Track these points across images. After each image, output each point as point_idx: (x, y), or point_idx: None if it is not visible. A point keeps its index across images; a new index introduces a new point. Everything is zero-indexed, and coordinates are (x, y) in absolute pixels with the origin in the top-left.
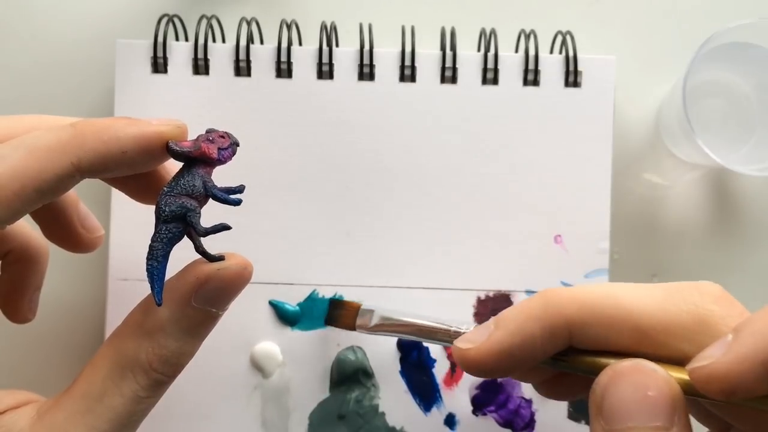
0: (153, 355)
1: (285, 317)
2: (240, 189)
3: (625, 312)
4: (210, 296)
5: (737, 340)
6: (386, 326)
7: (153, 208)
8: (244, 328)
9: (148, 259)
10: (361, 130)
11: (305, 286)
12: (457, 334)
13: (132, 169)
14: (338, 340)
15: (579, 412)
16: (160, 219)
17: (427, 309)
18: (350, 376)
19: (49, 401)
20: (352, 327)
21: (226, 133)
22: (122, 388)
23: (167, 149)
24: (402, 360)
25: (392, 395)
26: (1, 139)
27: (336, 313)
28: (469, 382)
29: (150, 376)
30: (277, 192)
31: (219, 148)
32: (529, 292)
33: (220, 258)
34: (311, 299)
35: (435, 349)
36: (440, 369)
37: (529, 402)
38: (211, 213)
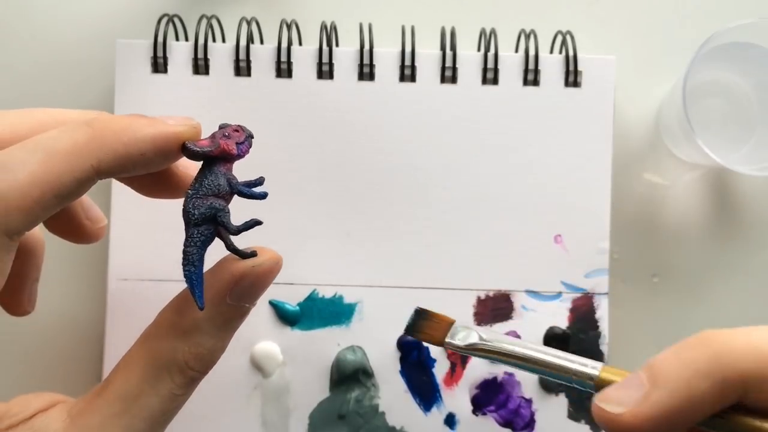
0: (189, 354)
1: (285, 317)
2: (260, 181)
3: None
4: (244, 292)
5: (654, 388)
6: (484, 349)
7: (156, 201)
8: (244, 328)
9: (184, 265)
10: (361, 130)
11: (305, 286)
12: (580, 375)
13: (147, 169)
14: (338, 339)
15: (579, 411)
16: (191, 223)
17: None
18: (350, 376)
19: (78, 403)
20: (440, 342)
21: (239, 126)
22: (158, 388)
23: (184, 150)
24: (402, 360)
25: (392, 395)
26: (11, 137)
27: (422, 323)
28: (469, 382)
29: (186, 374)
30: (277, 192)
31: (236, 143)
32: (529, 292)
33: (253, 254)
34: (311, 299)
35: (435, 350)
36: (440, 369)
37: (529, 402)
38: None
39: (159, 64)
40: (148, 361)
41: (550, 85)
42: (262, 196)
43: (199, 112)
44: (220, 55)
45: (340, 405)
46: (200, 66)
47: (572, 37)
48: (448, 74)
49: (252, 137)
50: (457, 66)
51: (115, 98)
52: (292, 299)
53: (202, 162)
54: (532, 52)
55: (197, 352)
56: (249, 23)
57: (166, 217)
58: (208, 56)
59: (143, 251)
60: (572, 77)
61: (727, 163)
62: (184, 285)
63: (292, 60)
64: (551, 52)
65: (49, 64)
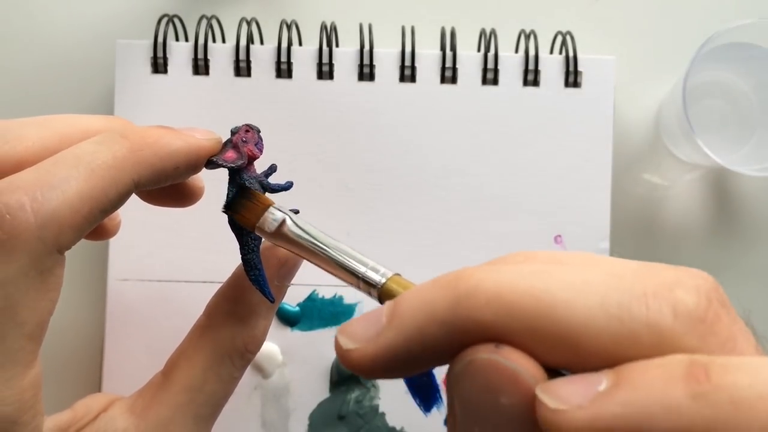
0: (248, 337)
1: (285, 317)
2: (274, 168)
3: (559, 327)
4: (287, 273)
5: (388, 327)
6: (287, 237)
7: (158, 209)
8: None
9: (248, 270)
10: (361, 130)
11: (305, 286)
12: (366, 281)
13: (174, 181)
14: None
15: None
16: (243, 232)
17: None
18: (350, 376)
19: (137, 399)
20: (252, 226)
21: (248, 125)
22: (221, 374)
23: (210, 164)
24: None
25: (392, 395)
26: (41, 151)
27: (242, 202)
28: None
29: (245, 357)
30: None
31: (255, 144)
32: None
33: (297, 212)
34: (311, 299)
35: None
36: (440, 369)
37: None
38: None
39: (159, 65)
40: (210, 351)
41: (550, 85)
42: (289, 186)
43: (199, 112)
44: (220, 55)
45: (340, 405)
46: (200, 66)
47: (572, 38)
48: (448, 74)
49: (260, 131)
50: (457, 66)
51: (115, 98)
52: (292, 300)
53: (228, 173)
54: (532, 53)
55: (253, 335)
56: (249, 23)
57: (166, 217)
58: (208, 56)
59: (143, 251)
60: (572, 77)
61: (727, 163)
62: (184, 285)
63: (292, 60)
64: (551, 52)
65: (49, 65)
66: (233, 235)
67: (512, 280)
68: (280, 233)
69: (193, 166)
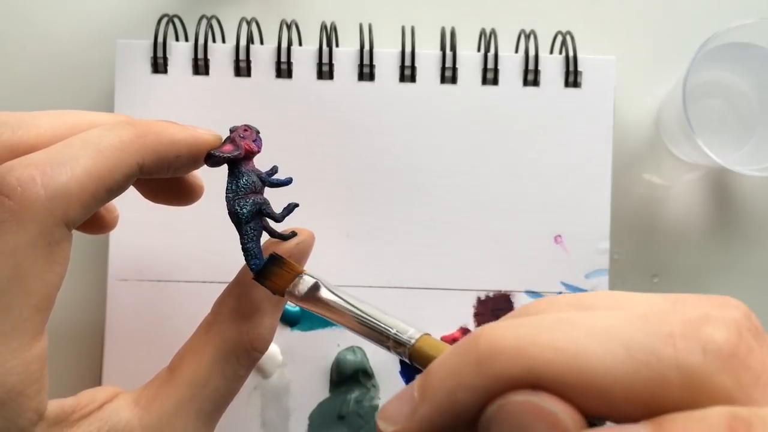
0: (254, 335)
1: (285, 317)
2: (275, 170)
3: (587, 378)
4: None
5: (422, 402)
6: (316, 301)
7: (158, 209)
8: None
9: (248, 260)
10: (361, 130)
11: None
12: (396, 341)
13: (175, 172)
14: (338, 340)
15: None
16: (242, 221)
17: (427, 309)
18: (350, 377)
19: (143, 392)
20: (281, 292)
21: (247, 125)
22: (226, 371)
23: (209, 158)
24: (402, 360)
25: (392, 395)
26: (51, 139)
27: (272, 269)
28: None
29: (251, 355)
30: (277, 192)
31: (253, 141)
32: (529, 292)
33: (293, 234)
34: None
35: None
36: None
37: None
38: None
39: (159, 65)
40: (215, 347)
41: (550, 85)
42: (289, 182)
43: (199, 112)
44: (220, 55)
45: (340, 405)
46: (200, 66)
47: (572, 37)
48: (448, 74)
49: (259, 132)
50: (457, 66)
51: (115, 98)
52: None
53: (227, 167)
54: (532, 53)
55: (259, 332)
56: (249, 23)
57: (166, 217)
58: (208, 56)
59: (143, 251)
60: (572, 77)
61: (727, 163)
62: (184, 285)
63: (292, 60)
64: (551, 52)
65: (49, 65)
66: (228, 234)
67: (532, 333)
68: (310, 298)
69: (194, 157)
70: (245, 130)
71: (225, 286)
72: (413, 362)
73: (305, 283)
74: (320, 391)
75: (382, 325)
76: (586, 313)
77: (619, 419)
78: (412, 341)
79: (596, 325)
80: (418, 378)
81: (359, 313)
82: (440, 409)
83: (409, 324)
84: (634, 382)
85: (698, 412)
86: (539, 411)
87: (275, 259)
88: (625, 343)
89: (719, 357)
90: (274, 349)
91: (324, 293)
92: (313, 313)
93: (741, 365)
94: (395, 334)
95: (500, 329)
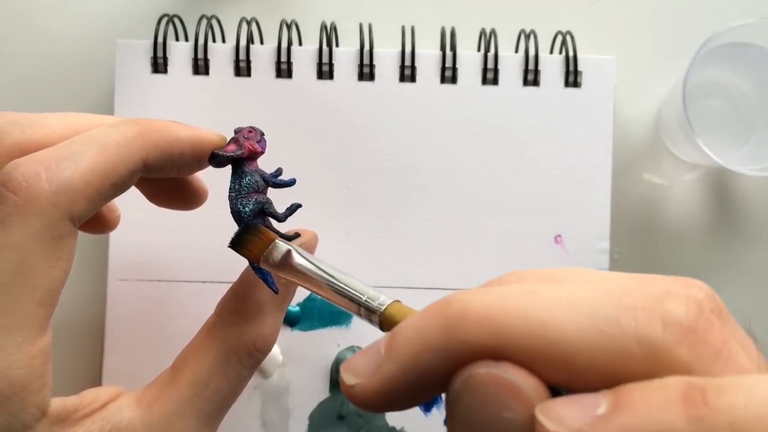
0: (256, 336)
1: (285, 318)
2: (280, 172)
3: (551, 345)
4: None
5: (387, 360)
6: (290, 268)
7: (158, 209)
8: None
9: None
10: (361, 130)
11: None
12: (367, 308)
13: (179, 171)
14: (338, 340)
15: None
16: (244, 220)
17: None
18: None
19: (145, 392)
20: (256, 259)
21: (251, 127)
22: (228, 371)
23: (214, 158)
24: None
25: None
26: (60, 138)
27: (246, 237)
28: None
29: (253, 356)
30: (277, 192)
31: (257, 142)
32: None
33: (297, 235)
34: (311, 299)
35: None
36: None
37: None
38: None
39: (159, 65)
40: (217, 348)
41: (550, 85)
42: (292, 182)
43: (199, 112)
44: (220, 55)
45: (340, 405)
46: (200, 66)
47: (572, 37)
48: (448, 74)
49: (264, 134)
50: (457, 66)
51: (115, 98)
52: (292, 300)
53: (231, 167)
54: (532, 53)
55: (261, 333)
56: (249, 23)
57: (166, 217)
58: (208, 56)
59: (143, 251)
60: (572, 77)
61: (727, 163)
62: (184, 285)
63: (292, 60)
64: (551, 52)
65: (49, 65)
66: (228, 234)
67: (500, 301)
68: (284, 264)
69: (198, 156)
70: (250, 131)
71: (225, 286)
72: (384, 329)
73: (279, 249)
74: (320, 391)
75: (354, 292)
76: (555, 285)
77: (582, 389)
78: (383, 308)
79: (563, 296)
80: (386, 335)
81: (331, 279)
82: (405, 368)
83: (381, 291)
84: (597, 353)
85: (655, 381)
86: (502, 382)
87: (250, 227)
88: (590, 314)
89: (678, 330)
90: (274, 349)
91: (297, 259)
92: (288, 280)
93: (700, 340)
94: (366, 300)
95: (469, 295)
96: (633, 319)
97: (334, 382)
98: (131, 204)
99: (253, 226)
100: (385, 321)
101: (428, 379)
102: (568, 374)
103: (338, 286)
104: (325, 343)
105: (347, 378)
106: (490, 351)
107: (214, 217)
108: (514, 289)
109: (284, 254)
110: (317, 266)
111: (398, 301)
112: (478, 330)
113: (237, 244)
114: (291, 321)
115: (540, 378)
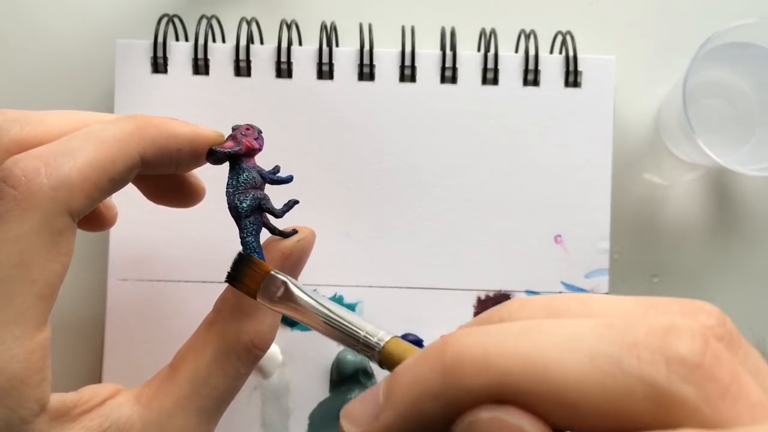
0: (254, 333)
1: (285, 317)
2: (278, 169)
3: (553, 388)
4: (293, 265)
5: (386, 407)
6: (287, 302)
7: (158, 209)
8: None
9: (247, 253)
10: (361, 130)
11: (305, 286)
12: (366, 344)
13: (176, 167)
14: None
15: None
16: (242, 215)
17: (427, 309)
18: (350, 376)
19: (144, 389)
20: (253, 294)
21: (249, 125)
22: (226, 368)
23: (211, 155)
24: None
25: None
26: (60, 135)
27: (241, 269)
28: None
29: (252, 353)
30: (277, 192)
31: (254, 139)
32: (530, 292)
33: (294, 232)
34: None
35: None
36: None
37: None
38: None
39: (159, 64)
40: (216, 345)
41: (550, 85)
42: (289, 179)
43: (199, 112)
44: (220, 55)
45: (340, 405)
46: (200, 66)
47: (572, 37)
48: (448, 74)
49: (261, 131)
50: (457, 66)
51: (115, 98)
52: None
53: (229, 163)
54: (532, 52)
55: (260, 330)
56: (249, 23)
57: (166, 217)
58: (208, 56)
59: (143, 251)
60: (572, 77)
61: (727, 163)
62: (184, 285)
63: (292, 60)
64: (551, 52)
65: (49, 64)
66: (227, 234)
67: (499, 343)
68: (282, 299)
69: (195, 152)
70: (247, 129)
71: (225, 285)
72: (383, 366)
73: (276, 283)
74: (320, 391)
75: (353, 328)
76: (554, 321)
77: (588, 431)
78: (381, 344)
79: (563, 334)
80: (384, 381)
81: (330, 314)
82: (404, 415)
83: (380, 327)
84: (599, 394)
85: None
86: (507, 426)
87: (243, 258)
88: (591, 353)
89: (683, 368)
90: (274, 349)
91: (296, 293)
92: (284, 315)
93: (706, 377)
94: (364, 336)
95: (466, 337)
96: (635, 357)
97: (335, 382)
98: (132, 204)
99: (245, 256)
100: (384, 358)
101: (429, 426)
102: (572, 416)
103: (337, 322)
104: (325, 343)
105: (347, 427)
106: (492, 395)
107: (214, 218)
108: (513, 328)
109: (283, 291)
110: (316, 300)
111: (396, 336)
112: (478, 375)
113: (233, 277)
114: (291, 321)
115: (545, 420)
